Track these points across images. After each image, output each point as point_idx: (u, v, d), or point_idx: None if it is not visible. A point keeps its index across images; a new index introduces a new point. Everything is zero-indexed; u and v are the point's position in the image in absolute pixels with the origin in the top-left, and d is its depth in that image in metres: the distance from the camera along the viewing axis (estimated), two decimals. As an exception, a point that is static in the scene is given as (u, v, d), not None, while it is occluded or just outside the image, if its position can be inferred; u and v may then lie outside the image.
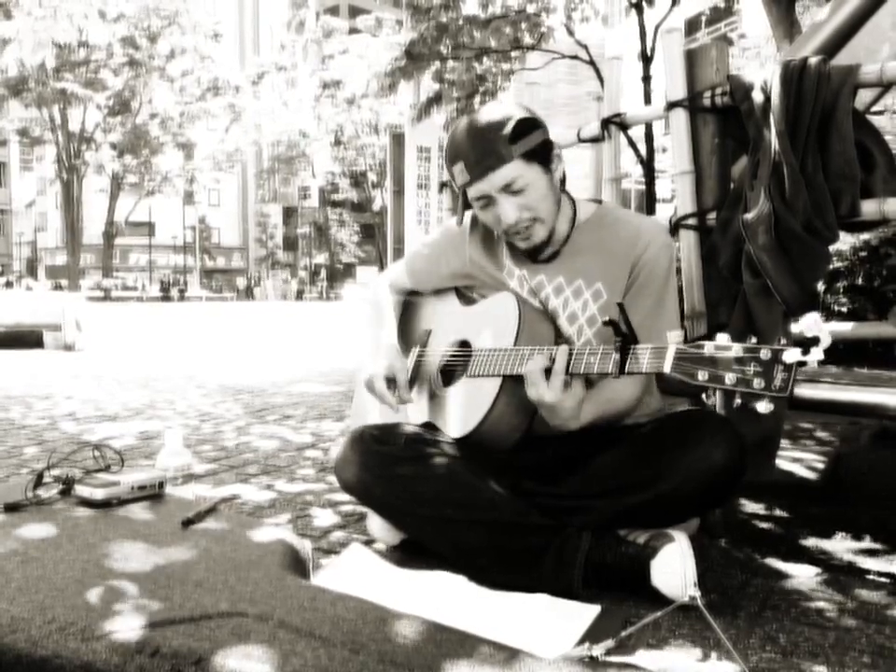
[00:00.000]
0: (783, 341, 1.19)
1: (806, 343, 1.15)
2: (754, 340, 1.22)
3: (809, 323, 1.16)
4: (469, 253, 1.84)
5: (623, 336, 1.37)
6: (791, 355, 1.15)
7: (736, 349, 1.21)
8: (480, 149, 1.58)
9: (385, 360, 1.78)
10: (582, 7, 9.19)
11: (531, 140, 1.60)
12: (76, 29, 30.60)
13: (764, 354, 1.18)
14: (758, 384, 1.18)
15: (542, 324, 1.69)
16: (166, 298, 38.59)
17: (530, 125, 1.61)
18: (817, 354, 1.14)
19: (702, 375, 1.24)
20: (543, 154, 1.62)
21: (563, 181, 1.72)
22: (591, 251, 1.72)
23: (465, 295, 1.90)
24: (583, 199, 1.82)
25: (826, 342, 1.14)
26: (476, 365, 1.67)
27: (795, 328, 1.18)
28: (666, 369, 1.29)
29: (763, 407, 1.18)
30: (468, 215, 1.89)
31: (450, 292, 1.93)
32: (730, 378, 1.20)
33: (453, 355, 1.79)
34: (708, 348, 1.24)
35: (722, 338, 1.25)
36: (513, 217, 1.61)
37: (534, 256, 1.75)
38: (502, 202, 1.61)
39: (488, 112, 1.63)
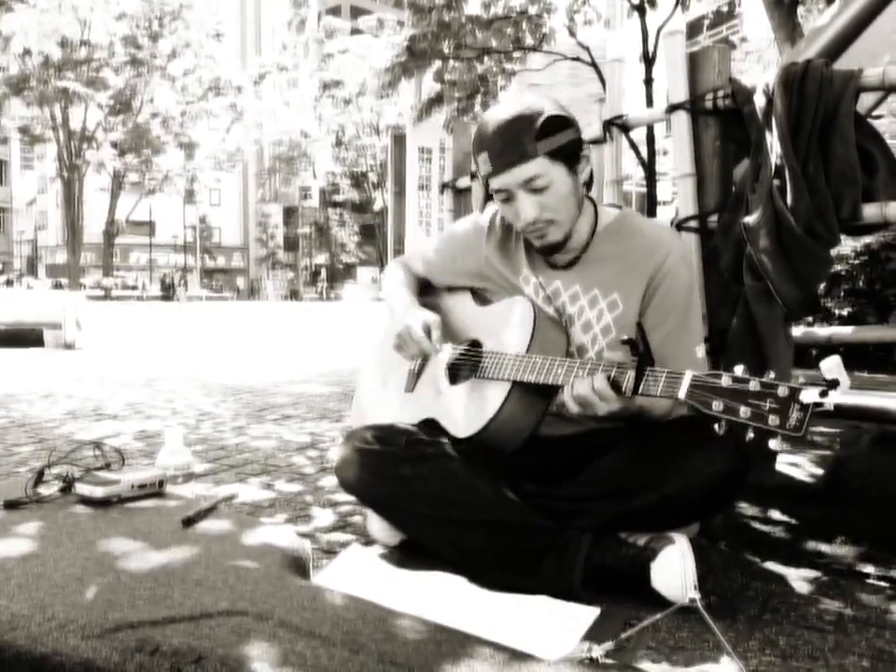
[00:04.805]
0: (802, 379, 1.19)
1: (826, 386, 1.14)
2: (772, 374, 1.22)
3: (831, 366, 1.15)
4: (486, 253, 1.81)
5: (640, 356, 1.37)
6: (809, 395, 1.15)
7: (754, 384, 1.21)
8: (505, 142, 1.56)
9: (418, 313, 1.76)
10: (585, 9, 9.19)
11: (559, 139, 1.57)
12: (80, 23, 30.67)
13: (782, 391, 1.18)
14: (773, 420, 1.17)
15: (555, 333, 1.67)
16: (167, 297, 38.48)
17: (560, 123, 1.57)
18: (835, 397, 1.13)
19: (717, 405, 1.24)
20: (570, 154, 1.59)
21: (588, 184, 1.69)
22: (609, 260, 1.69)
23: (479, 295, 1.87)
24: (605, 205, 1.80)
25: (846, 386, 1.14)
26: (489, 367, 1.66)
27: (821, 366, 1.17)
28: (681, 395, 1.30)
29: (776, 444, 1.18)
30: (488, 212, 1.88)
31: (464, 290, 1.90)
32: (745, 412, 1.20)
33: (462, 353, 1.79)
34: (725, 379, 1.24)
35: (739, 370, 1.24)
36: (531, 216, 1.59)
37: (552, 259, 1.73)
38: (522, 198, 1.58)
39: (520, 104, 1.59)
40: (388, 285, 1.99)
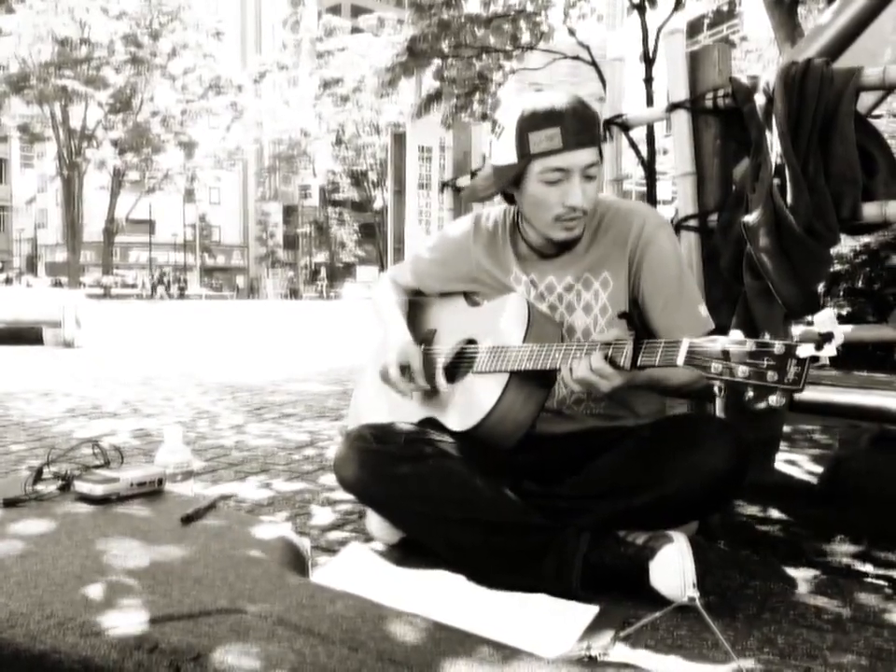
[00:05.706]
0: (795, 338, 1.20)
1: (820, 339, 1.15)
2: (767, 337, 1.23)
3: (824, 319, 1.17)
4: (475, 256, 1.84)
5: (636, 329, 1.38)
6: (805, 349, 1.16)
7: (750, 344, 1.22)
8: (582, 122, 1.60)
9: (398, 349, 1.78)
10: (580, 4, 9.22)
11: (601, 137, 1.69)
12: (76, 23, 30.64)
13: (778, 348, 1.19)
14: (771, 377, 1.18)
15: (550, 326, 1.68)
16: (152, 296, 38.27)
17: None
18: (829, 350, 1.15)
19: (715, 367, 1.25)
20: (601, 155, 1.68)
21: None
22: (594, 243, 1.74)
23: (471, 298, 1.89)
24: None
25: (840, 338, 1.15)
26: (485, 362, 1.66)
27: (815, 320, 1.19)
28: (679, 362, 1.30)
29: (776, 400, 1.20)
30: (469, 218, 1.89)
31: (457, 294, 1.92)
32: (743, 371, 1.21)
33: (458, 352, 1.79)
34: (722, 342, 1.26)
35: (736, 334, 1.25)
36: (579, 201, 1.60)
37: (543, 249, 1.76)
38: (577, 183, 1.60)
39: (581, 97, 1.66)
40: (378, 304, 2.02)
